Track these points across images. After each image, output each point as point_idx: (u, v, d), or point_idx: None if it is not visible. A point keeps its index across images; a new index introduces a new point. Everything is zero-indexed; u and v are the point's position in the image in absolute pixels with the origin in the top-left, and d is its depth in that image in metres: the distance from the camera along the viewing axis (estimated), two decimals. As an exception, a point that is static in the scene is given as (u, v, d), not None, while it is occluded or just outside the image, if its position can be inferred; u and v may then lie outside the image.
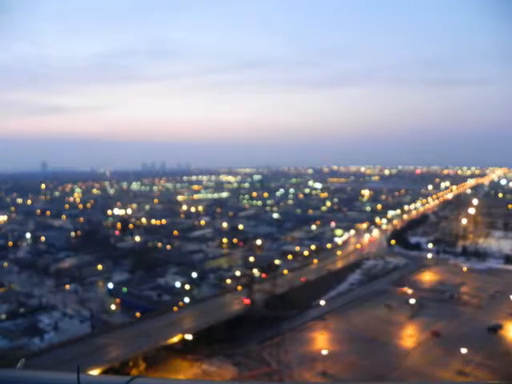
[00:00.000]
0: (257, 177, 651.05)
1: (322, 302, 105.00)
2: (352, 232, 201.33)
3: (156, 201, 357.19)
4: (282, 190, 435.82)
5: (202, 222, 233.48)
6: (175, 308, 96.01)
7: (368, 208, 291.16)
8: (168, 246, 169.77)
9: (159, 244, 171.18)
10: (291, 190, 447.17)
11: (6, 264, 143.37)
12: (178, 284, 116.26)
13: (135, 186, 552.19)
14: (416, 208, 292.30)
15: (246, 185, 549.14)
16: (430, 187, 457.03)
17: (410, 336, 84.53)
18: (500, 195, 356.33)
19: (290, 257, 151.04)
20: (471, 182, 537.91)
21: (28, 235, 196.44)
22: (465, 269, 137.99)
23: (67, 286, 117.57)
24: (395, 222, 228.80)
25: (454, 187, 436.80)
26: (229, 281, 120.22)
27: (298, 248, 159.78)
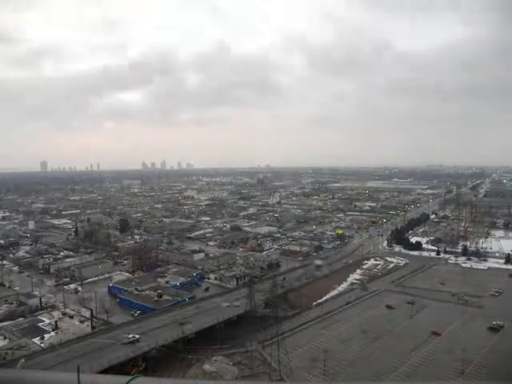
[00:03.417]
0: (258, 176, 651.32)
1: (323, 302, 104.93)
2: (352, 232, 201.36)
3: (156, 200, 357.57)
4: (282, 190, 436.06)
5: (203, 222, 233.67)
6: (175, 308, 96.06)
7: (368, 208, 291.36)
8: (168, 246, 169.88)
9: (159, 244, 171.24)
10: (292, 190, 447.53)
11: (6, 264, 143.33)
12: (178, 284, 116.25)
13: (136, 185, 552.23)
14: (416, 207, 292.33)
15: (247, 184, 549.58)
16: (430, 186, 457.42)
17: (410, 336, 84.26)
18: (501, 194, 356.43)
19: (290, 256, 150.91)
20: (471, 180, 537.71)
21: (28, 235, 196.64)
22: (465, 268, 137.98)
23: (67, 286, 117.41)
24: (395, 221, 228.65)
25: (454, 187, 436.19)
26: (229, 280, 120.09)
27: (298, 247, 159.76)
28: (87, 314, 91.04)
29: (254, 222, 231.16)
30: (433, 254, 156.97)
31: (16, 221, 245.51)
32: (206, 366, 71.73)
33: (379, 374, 67.03)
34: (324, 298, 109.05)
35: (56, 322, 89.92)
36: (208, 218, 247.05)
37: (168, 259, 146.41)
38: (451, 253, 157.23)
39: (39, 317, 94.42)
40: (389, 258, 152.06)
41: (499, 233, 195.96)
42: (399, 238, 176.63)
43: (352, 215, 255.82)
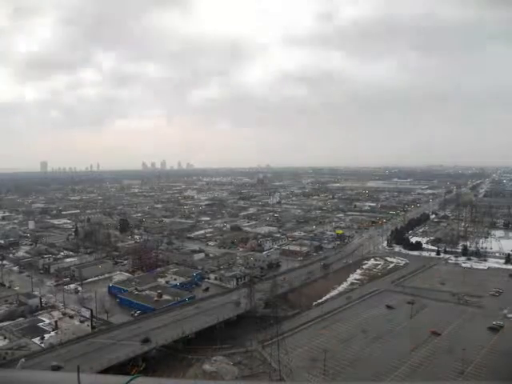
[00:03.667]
0: (258, 176, 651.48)
1: (323, 302, 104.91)
2: (352, 232, 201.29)
3: (156, 200, 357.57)
4: (282, 190, 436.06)
5: (203, 222, 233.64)
6: (175, 308, 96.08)
7: (368, 208, 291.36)
8: (168, 246, 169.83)
9: (159, 244, 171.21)
10: (292, 190, 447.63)
11: (6, 264, 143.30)
12: (178, 284, 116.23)
13: (136, 185, 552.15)
14: (416, 207, 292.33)
15: (247, 184, 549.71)
16: (430, 186, 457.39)
17: (410, 336, 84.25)
18: (501, 194, 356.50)
19: (290, 256, 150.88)
20: (471, 180, 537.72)
21: (28, 235, 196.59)
22: (465, 268, 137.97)
23: (67, 286, 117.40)
24: (395, 221, 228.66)
25: (454, 187, 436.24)
26: (229, 280, 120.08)
27: (298, 247, 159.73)
28: (87, 313, 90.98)
29: (254, 222, 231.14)
30: (433, 254, 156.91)
31: (16, 221, 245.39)
32: (206, 366, 71.77)
33: (379, 373, 67.02)
34: (324, 298, 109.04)
35: (56, 321, 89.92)
36: (208, 218, 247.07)
37: (168, 259, 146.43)
38: (451, 253, 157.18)
39: (39, 317, 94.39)
40: (389, 258, 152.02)
41: (499, 233, 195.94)
42: (399, 238, 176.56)
43: (352, 215, 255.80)
